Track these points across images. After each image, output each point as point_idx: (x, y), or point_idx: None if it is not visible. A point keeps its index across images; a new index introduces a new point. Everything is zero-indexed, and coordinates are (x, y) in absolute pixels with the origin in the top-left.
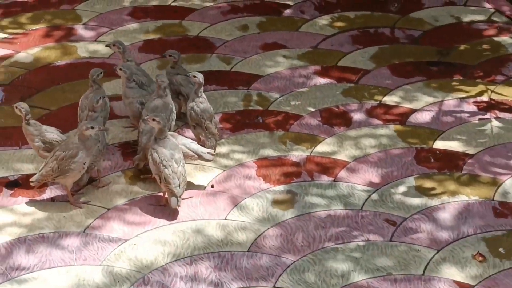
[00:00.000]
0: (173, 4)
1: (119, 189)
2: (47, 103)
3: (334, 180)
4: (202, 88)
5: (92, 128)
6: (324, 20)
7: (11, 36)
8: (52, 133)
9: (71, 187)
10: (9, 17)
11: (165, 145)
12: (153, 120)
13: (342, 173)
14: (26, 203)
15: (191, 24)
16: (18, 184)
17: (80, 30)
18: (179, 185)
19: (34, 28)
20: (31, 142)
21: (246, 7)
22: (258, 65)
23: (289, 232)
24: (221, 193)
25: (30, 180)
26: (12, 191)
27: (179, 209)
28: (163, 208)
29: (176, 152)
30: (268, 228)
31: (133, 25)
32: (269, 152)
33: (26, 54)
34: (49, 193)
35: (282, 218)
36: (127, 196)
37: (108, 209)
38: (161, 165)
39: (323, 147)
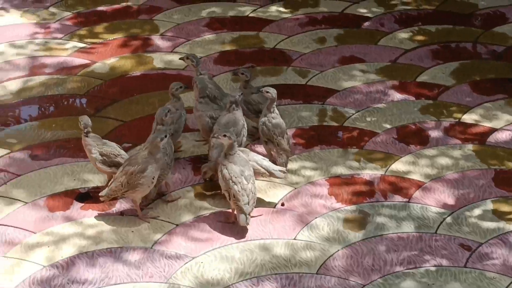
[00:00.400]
0: (250, 15)
1: (188, 204)
2: (121, 114)
3: (408, 201)
4: (275, 103)
5: (165, 136)
6: (404, 34)
7: (89, 46)
8: (110, 147)
9: (140, 202)
10: (87, 27)
11: (235, 161)
12: (224, 136)
13: (417, 194)
14: (95, 216)
15: (268, 36)
16: (89, 196)
17: (157, 40)
18: (248, 202)
19: (112, 38)
20: (88, 154)
21: (325, 19)
22: (334, 79)
23: (359, 254)
24: (291, 211)
25: (100, 194)
26: (83, 204)
27: (247, 227)
28: (232, 225)
29: (246, 169)
30: (338, 250)
31: (210, 36)
32: (342, 170)
33: (103, 64)
34: (118, 206)
35: (352, 239)
36: (196, 211)
37: (176, 225)
38: (230, 181)
39: (397, 166)
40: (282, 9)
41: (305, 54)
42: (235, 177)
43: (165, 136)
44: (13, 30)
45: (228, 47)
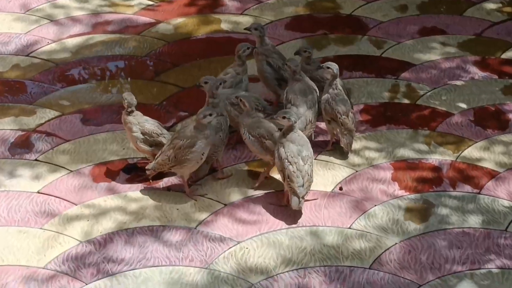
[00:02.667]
0: None
1: (240, 182)
2: (181, 80)
3: (479, 193)
4: (338, 79)
5: (210, 115)
6: (492, 4)
7: (156, 4)
8: (152, 125)
9: (189, 177)
10: None
11: (293, 139)
12: (283, 118)
13: (489, 185)
14: (140, 190)
15: (345, 1)
16: (136, 168)
17: (227, 1)
18: (303, 184)
19: None
20: (129, 132)
21: None
22: (411, 51)
23: (418, 249)
24: (348, 197)
25: (146, 167)
26: (129, 176)
27: (294, 212)
28: (284, 208)
29: (305, 149)
30: (396, 244)
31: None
32: (409, 153)
33: (167, 24)
34: (166, 180)
35: (413, 232)
36: (246, 191)
37: (225, 205)
38: (286, 161)
39: (471, 152)
40: None
41: (383, 22)
42: (292, 157)
43: (210, 115)
44: None
45: (301, 11)
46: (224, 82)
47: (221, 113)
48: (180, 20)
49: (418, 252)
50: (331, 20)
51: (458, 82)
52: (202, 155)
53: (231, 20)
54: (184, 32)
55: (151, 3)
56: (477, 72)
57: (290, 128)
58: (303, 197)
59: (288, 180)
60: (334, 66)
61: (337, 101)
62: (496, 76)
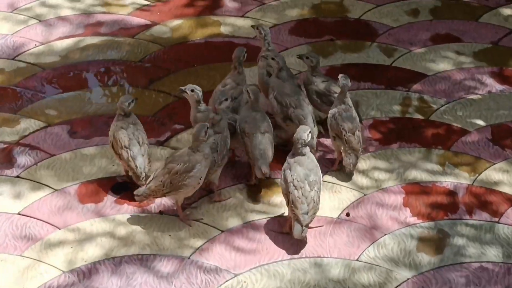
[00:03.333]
0: None
1: (238, 206)
2: (177, 88)
3: (498, 221)
4: (348, 94)
5: (207, 129)
6: (510, 10)
7: (152, 4)
8: (126, 136)
9: (182, 201)
10: None
11: (302, 162)
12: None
13: (508, 213)
14: (130, 214)
15: (354, 4)
16: (127, 187)
17: (227, 2)
18: (307, 212)
19: None
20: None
21: None
22: (424, 61)
23: (432, 286)
24: (356, 224)
25: (135, 193)
26: (118, 197)
27: (297, 241)
28: (286, 236)
29: (313, 173)
30: (408, 279)
31: (287, 0)
32: (421, 175)
33: (163, 26)
34: (158, 203)
35: (426, 266)
36: (245, 216)
37: (222, 231)
38: (291, 184)
39: (489, 175)
40: None
41: (393, 28)
42: (298, 181)
43: (207, 129)
44: None
45: (306, 14)
46: (227, 99)
47: (219, 131)
48: (176, 22)
49: None
50: (338, 24)
51: (474, 96)
52: (200, 179)
53: (231, 23)
54: (181, 35)
55: (146, 3)
56: (494, 85)
57: (298, 146)
58: (306, 226)
59: (292, 206)
60: (346, 80)
61: (344, 117)
62: None
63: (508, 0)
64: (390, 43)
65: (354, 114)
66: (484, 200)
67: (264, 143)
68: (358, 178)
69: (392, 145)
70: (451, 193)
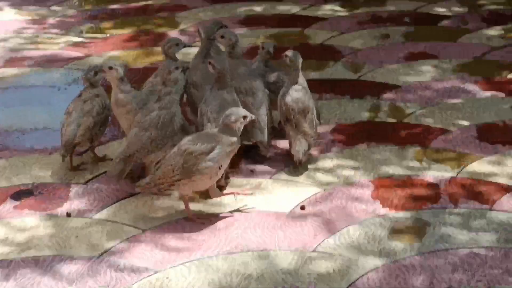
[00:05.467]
0: (297, 13)
1: (166, 202)
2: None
3: (491, 209)
4: (300, 72)
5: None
6: (493, 31)
7: (87, 40)
8: None
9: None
10: (91, 23)
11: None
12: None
13: (504, 200)
14: (32, 216)
15: (316, 33)
16: (31, 193)
17: (173, 35)
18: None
19: (118, 34)
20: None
21: (391, 17)
22: (397, 74)
23: (409, 274)
24: (314, 217)
25: (136, 184)
26: (18, 203)
27: (241, 235)
28: (224, 231)
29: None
30: (378, 268)
31: (243, 32)
32: (395, 170)
33: (99, 57)
34: (67, 206)
35: (402, 254)
36: (176, 214)
37: (143, 230)
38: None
39: (478, 166)
40: (338, 8)
41: (361, 50)
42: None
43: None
44: (3, 26)
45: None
46: (177, 68)
47: (165, 107)
48: (115, 53)
49: (409, 276)
50: (298, 49)
51: (456, 100)
52: (220, 168)
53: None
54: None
55: (81, 40)
56: (479, 92)
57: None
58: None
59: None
60: (295, 55)
61: (294, 97)
62: (503, 95)
63: (489, 24)
64: (357, 61)
65: (308, 95)
66: (472, 189)
67: None
68: (318, 175)
69: (360, 145)
70: (431, 185)
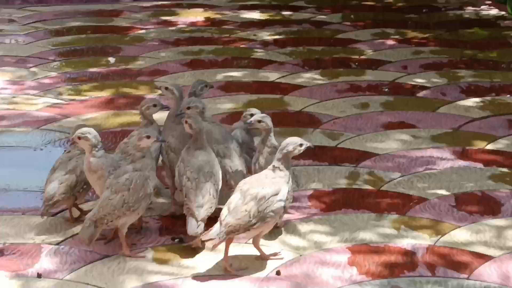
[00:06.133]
0: (277, 80)
1: (141, 267)
2: None
3: (468, 278)
4: (272, 135)
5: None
6: (471, 102)
7: (65, 102)
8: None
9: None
10: (70, 85)
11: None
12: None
13: (481, 270)
14: (2, 276)
15: (295, 100)
16: (1, 253)
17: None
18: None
19: (96, 96)
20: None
21: (370, 87)
22: (375, 142)
23: None
24: (290, 282)
25: (205, 238)
26: None
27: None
28: None
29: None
30: None
31: (222, 99)
32: (371, 236)
33: (76, 119)
34: (38, 266)
35: None
36: (147, 277)
37: None
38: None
39: (455, 235)
40: (318, 76)
41: (339, 118)
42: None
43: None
44: None
45: (240, 108)
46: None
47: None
48: (92, 115)
49: None
50: (276, 116)
51: (434, 170)
52: (285, 208)
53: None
54: (94, 125)
55: (59, 101)
56: (456, 161)
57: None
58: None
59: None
60: (267, 119)
61: (270, 161)
62: (481, 165)
63: (468, 95)
64: (336, 129)
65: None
66: (450, 258)
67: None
68: (292, 241)
69: (337, 211)
70: (408, 253)
